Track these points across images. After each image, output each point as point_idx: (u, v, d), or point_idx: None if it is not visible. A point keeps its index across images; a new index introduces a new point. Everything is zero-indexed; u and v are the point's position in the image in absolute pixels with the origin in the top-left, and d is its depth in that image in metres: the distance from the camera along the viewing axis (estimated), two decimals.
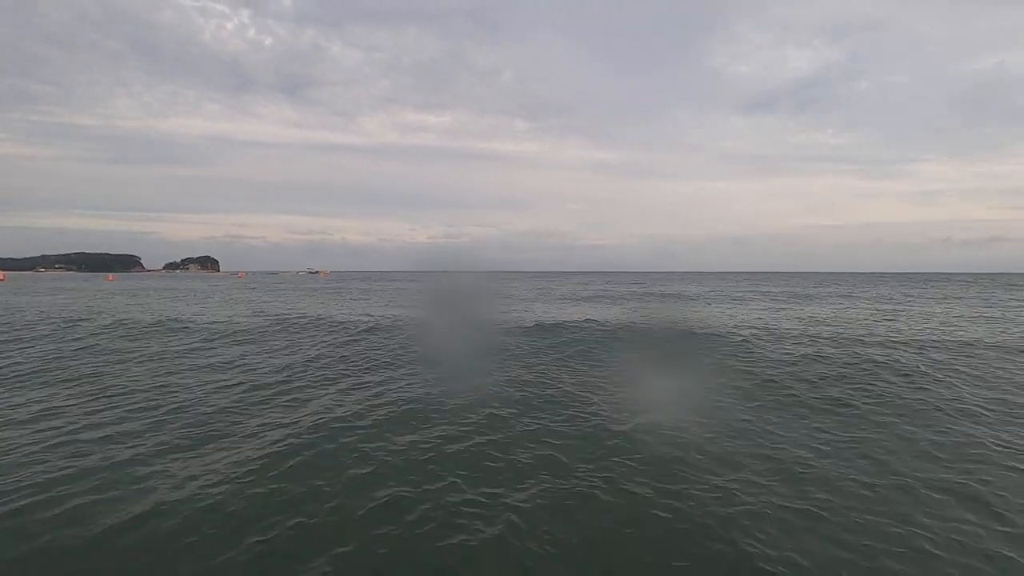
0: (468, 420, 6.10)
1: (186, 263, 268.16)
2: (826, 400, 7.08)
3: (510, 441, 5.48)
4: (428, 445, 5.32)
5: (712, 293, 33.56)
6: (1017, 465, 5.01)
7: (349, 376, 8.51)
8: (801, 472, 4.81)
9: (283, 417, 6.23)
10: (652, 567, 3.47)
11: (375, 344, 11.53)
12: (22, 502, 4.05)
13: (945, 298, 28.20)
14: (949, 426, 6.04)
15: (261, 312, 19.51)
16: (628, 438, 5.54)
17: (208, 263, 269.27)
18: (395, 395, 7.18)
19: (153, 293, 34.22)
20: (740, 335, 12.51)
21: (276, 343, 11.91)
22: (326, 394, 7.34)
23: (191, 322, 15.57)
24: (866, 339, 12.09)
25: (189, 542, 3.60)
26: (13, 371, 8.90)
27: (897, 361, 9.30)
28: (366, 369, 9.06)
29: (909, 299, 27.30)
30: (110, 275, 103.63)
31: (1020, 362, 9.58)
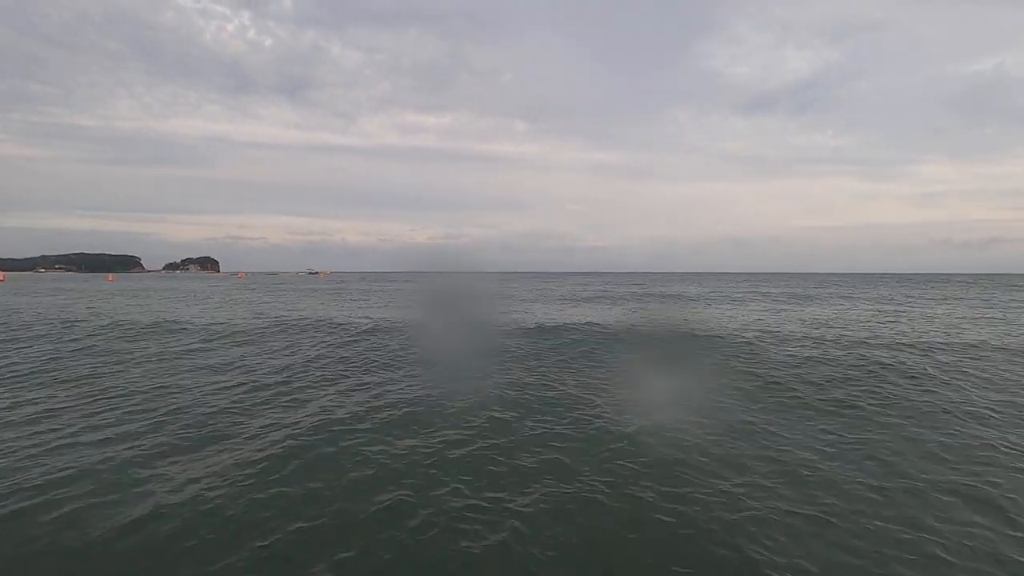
0: (468, 423, 6.04)
1: (186, 264, 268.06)
2: (831, 402, 7.02)
3: (512, 444, 5.42)
4: (429, 449, 5.26)
5: (713, 294, 33.50)
6: None
7: (349, 378, 8.45)
8: (807, 475, 4.75)
9: (283, 419, 6.17)
10: (656, 572, 3.41)
11: (374, 345, 11.47)
12: (20, 504, 4.00)
13: (946, 299, 28.14)
14: (957, 428, 5.99)
15: (260, 313, 19.45)
16: (632, 440, 5.47)
17: (208, 264, 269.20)
18: (395, 397, 7.12)
19: (152, 294, 34.15)
20: (742, 336, 12.45)
21: (275, 344, 11.85)
22: (326, 396, 7.27)
23: (190, 323, 15.50)
24: (870, 341, 12.03)
25: (188, 546, 3.55)
26: (10, 371, 8.83)
27: (902, 363, 9.24)
28: (365, 371, 9.00)
29: (910, 300, 27.24)
30: (110, 276, 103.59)
31: None
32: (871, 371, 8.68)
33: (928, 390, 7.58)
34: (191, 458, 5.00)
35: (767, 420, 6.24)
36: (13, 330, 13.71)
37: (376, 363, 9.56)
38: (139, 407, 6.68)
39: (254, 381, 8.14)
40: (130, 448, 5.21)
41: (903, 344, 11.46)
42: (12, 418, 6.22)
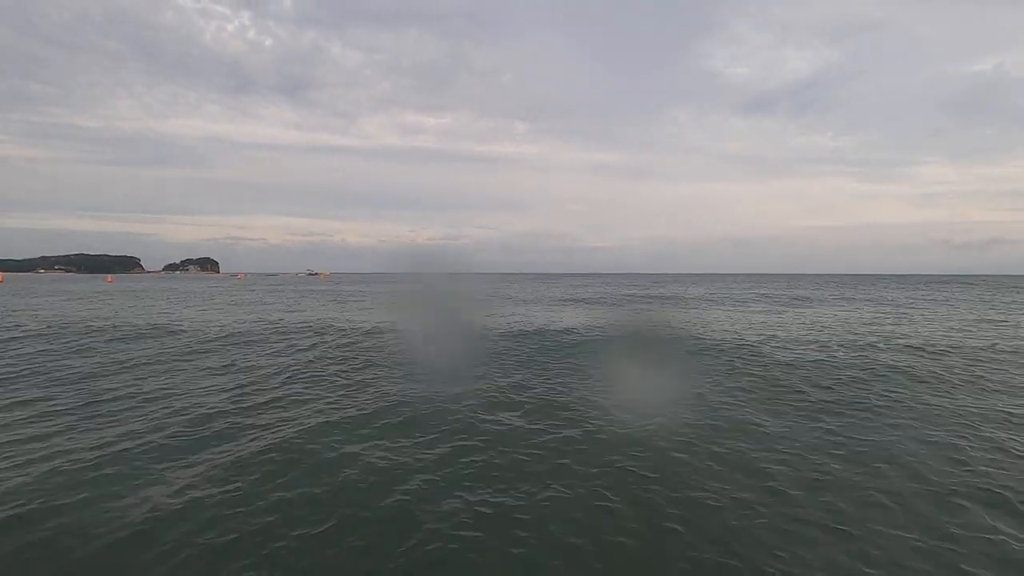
0: (467, 426, 5.91)
1: (185, 264, 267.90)
2: (840, 404, 6.88)
3: (513, 447, 5.28)
4: (428, 452, 5.13)
5: (713, 295, 33.37)
6: None
7: (347, 381, 8.30)
8: (821, 479, 4.61)
9: (281, 422, 6.03)
10: None
11: (371, 347, 11.33)
12: (15, 511, 3.89)
13: (947, 300, 28.04)
14: (972, 431, 5.84)
15: (259, 314, 19.32)
16: (637, 444, 5.33)
17: (208, 264, 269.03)
18: (394, 400, 6.96)
19: (151, 295, 34.03)
20: (746, 338, 12.33)
21: (273, 347, 11.70)
22: (324, 399, 7.13)
23: (187, 325, 15.37)
24: (875, 343, 11.90)
25: (187, 553, 3.44)
26: (1, 373, 8.68)
27: (910, 367, 9.10)
28: (363, 374, 8.84)
29: (911, 301, 27.12)
30: (109, 277, 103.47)
31: None
32: (879, 374, 8.56)
33: (940, 394, 7.45)
34: (189, 462, 4.87)
35: (775, 422, 6.10)
36: (8, 330, 13.56)
37: (373, 366, 9.41)
38: (133, 410, 6.54)
39: (252, 384, 8.01)
40: (123, 451, 5.07)
41: (910, 347, 11.32)
42: (5, 420, 6.07)
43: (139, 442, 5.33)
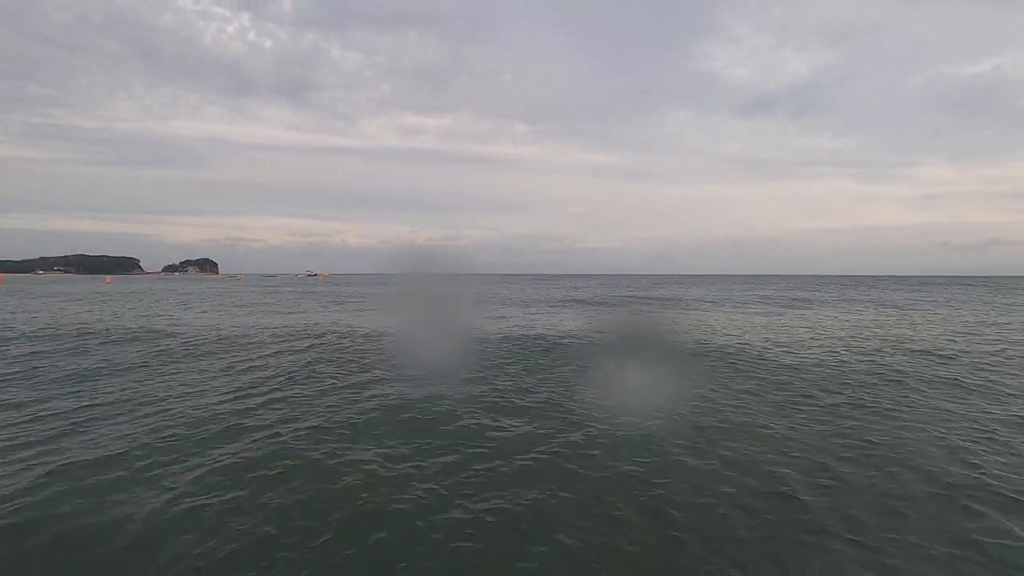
0: (469, 431, 5.78)
1: (185, 265, 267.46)
2: (847, 407, 6.76)
3: (518, 453, 5.14)
4: (426, 455, 5.00)
5: (714, 297, 33.26)
6: None
7: (345, 384, 8.14)
8: (834, 485, 4.47)
9: (277, 426, 5.90)
10: None
11: (370, 351, 11.20)
12: (7, 518, 3.77)
13: (948, 302, 27.95)
14: (987, 436, 5.70)
15: (256, 316, 19.20)
16: (645, 448, 5.19)
17: (207, 265, 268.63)
18: (390, 403, 6.81)
19: (150, 296, 33.88)
20: (749, 341, 12.21)
21: (271, 349, 11.57)
22: (322, 403, 6.99)
23: (185, 327, 15.25)
24: (884, 348, 11.77)
25: (186, 560, 3.34)
26: None
27: (921, 371, 8.96)
28: (362, 377, 8.69)
29: (913, 303, 27.04)
30: (108, 278, 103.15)
31: None
32: (888, 378, 8.41)
33: (954, 399, 7.28)
34: (188, 467, 4.73)
35: (784, 425, 5.97)
36: (0, 332, 13.42)
37: (373, 368, 9.27)
38: (130, 415, 6.41)
39: (250, 387, 7.88)
40: (122, 456, 4.94)
41: (918, 352, 11.19)
42: None
43: (137, 447, 5.19)
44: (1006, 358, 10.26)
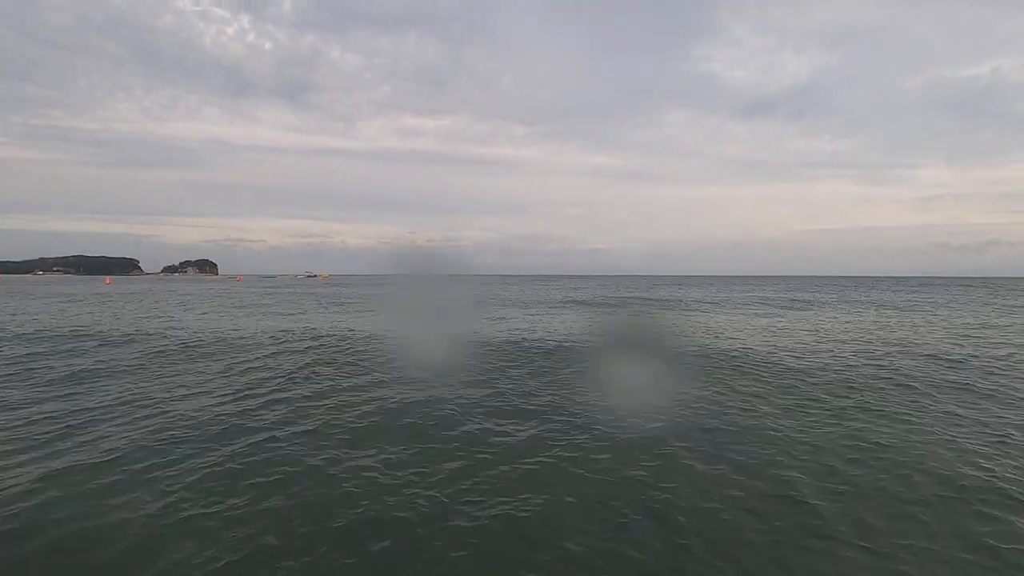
0: (471, 435, 5.70)
1: (184, 266, 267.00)
2: (859, 411, 6.66)
3: (522, 457, 5.07)
4: (431, 464, 4.92)
5: (715, 298, 33.20)
6: None
7: (344, 387, 8.07)
8: (846, 489, 4.39)
9: (274, 429, 5.82)
10: None
11: (369, 352, 11.11)
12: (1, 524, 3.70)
13: (949, 303, 27.89)
14: (1000, 440, 5.61)
15: (255, 317, 19.12)
16: (651, 452, 5.12)
17: (207, 266, 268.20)
18: (393, 407, 6.75)
19: (148, 297, 33.79)
20: (752, 343, 12.14)
21: (269, 350, 11.49)
22: (321, 406, 6.91)
23: (184, 328, 15.16)
24: (890, 351, 11.70)
25: (184, 569, 3.26)
26: None
27: (930, 375, 8.86)
28: (361, 379, 8.61)
29: (914, 305, 26.97)
30: (107, 279, 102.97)
31: None
32: (896, 382, 8.29)
33: (965, 404, 7.16)
34: (185, 471, 4.66)
35: (792, 428, 5.89)
36: None
37: (372, 371, 9.19)
38: (126, 417, 6.32)
39: (248, 389, 7.80)
40: (119, 460, 4.86)
41: (925, 355, 11.10)
42: None
43: (135, 450, 5.11)
44: (1015, 362, 10.15)
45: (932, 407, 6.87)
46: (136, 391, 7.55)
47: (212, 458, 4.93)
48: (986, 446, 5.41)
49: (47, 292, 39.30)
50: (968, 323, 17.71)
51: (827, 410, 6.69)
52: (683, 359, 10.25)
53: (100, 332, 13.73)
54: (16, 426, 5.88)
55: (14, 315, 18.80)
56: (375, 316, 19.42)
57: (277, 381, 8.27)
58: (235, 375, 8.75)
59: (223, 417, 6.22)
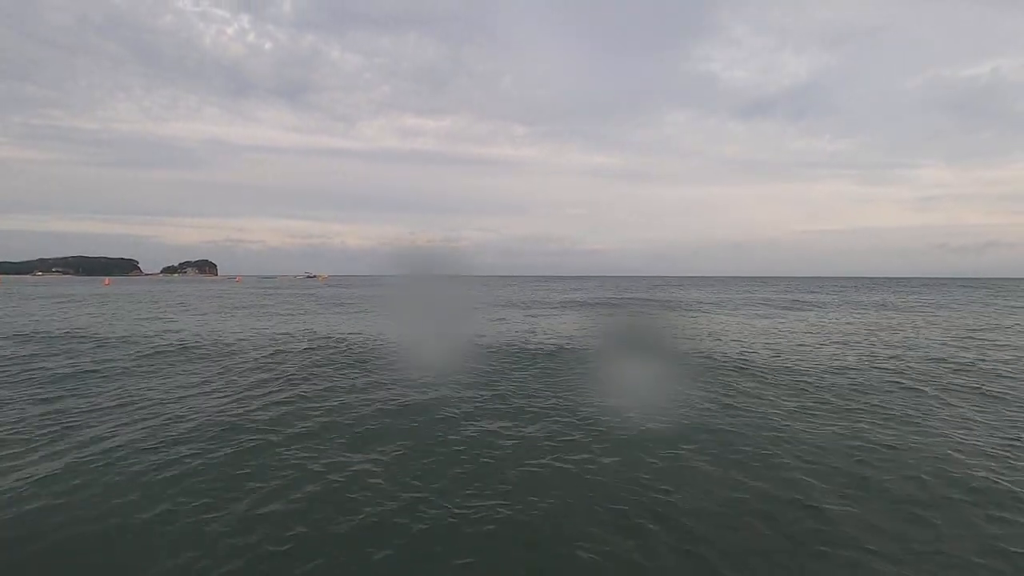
0: (472, 437, 5.63)
1: (184, 267, 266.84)
2: (867, 413, 6.59)
3: (525, 459, 5.00)
4: (432, 466, 4.85)
5: (715, 299, 33.14)
6: None
7: (342, 388, 8.00)
8: (856, 492, 4.31)
9: (275, 432, 5.74)
10: None
11: (368, 353, 11.05)
12: None
13: (950, 304, 27.85)
14: (1011, 442, 5.54)
15: (254, 317, 19.04)
16: (656, 453, 5.04)
17: (206, 267, 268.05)
18: (392, 408, 6.68)
19: (148, 298, 33.71)
20: (755, 344, 12.07)
21: (268, 351, 11.41)
22: (319, 407, 6.84)
23: (182, 329, 15.08)
24: (895, 354, 11.64)
25: (176, 570, 3.18)
26: None
27: (937, 377, 8.81)
28: (360, 380, 8.55)
29: (915, 306, 26.93)
30: (106, 279, 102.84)
31: None
32: (904, 385, 8.21)
33: (978, 407, 7.08)
34: (182, 473, 4.59)
35: (800, 429, 5.82)
36: None
37: (372, 372, 9.12)
38: (122, 419, 6.25)
39: (247, 391, 7.73)
40: (117, 463, 4.79)
41: (930, 358, 11.05)
42: None
43: (133, 453, 5.03)
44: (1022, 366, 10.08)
45: (940, 409, 6.80)
46: (134, 393, 7.47)
47: (211, 461, 4.85)
48: (997, 449, 5.33)
49: (46, 293, 39.20)
50: (970, 324, 17.65)
51: (833, 412, 6.62)
52: (685, 360, 10.18)
53: (99, 333, 13.65)
54: (13, 427, 5.80)
55: (13, 316, 18.71)
56: (375, 317, 19.34)
57: (276, 383, 8.20)
58: (234, 376, 8.67)
59: (222, 419, 6.14)
